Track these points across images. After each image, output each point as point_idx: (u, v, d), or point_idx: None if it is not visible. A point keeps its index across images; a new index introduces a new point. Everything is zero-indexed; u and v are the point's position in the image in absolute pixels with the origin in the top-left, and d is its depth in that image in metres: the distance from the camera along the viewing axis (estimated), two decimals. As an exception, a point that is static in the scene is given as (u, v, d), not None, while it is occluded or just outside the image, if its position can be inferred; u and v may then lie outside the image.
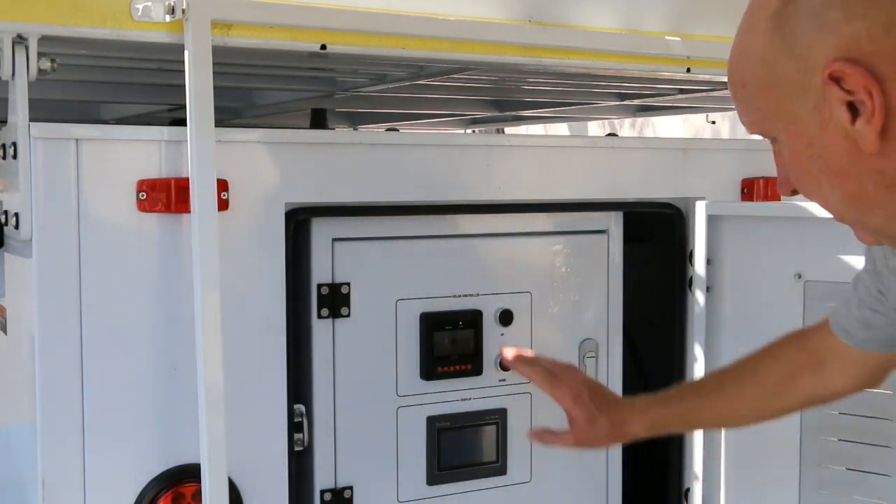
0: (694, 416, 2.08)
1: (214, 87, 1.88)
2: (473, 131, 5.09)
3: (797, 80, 1.23)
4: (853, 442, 2.40)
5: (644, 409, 2.07)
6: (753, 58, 1.26)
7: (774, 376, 1.93)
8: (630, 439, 2.12)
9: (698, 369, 2.45)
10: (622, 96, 3.23)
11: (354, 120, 4.24)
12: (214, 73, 1.87)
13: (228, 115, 3.49)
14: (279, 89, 3.00)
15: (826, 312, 1.83)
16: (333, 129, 3.76)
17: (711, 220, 2.43)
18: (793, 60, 1.23)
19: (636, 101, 3.38)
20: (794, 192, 1.35)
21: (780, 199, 2.61)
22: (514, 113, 3.85)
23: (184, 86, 1.86)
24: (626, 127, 9.38)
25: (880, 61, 1.17)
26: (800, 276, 2.39)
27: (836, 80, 1.18)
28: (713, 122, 9.21)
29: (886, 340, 1.73)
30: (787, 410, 2.02)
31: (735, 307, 2.46)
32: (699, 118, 9.23)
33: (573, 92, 3.05)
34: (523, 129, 7.78)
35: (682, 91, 2.98)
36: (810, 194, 1.32)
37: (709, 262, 2.44)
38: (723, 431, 2.49)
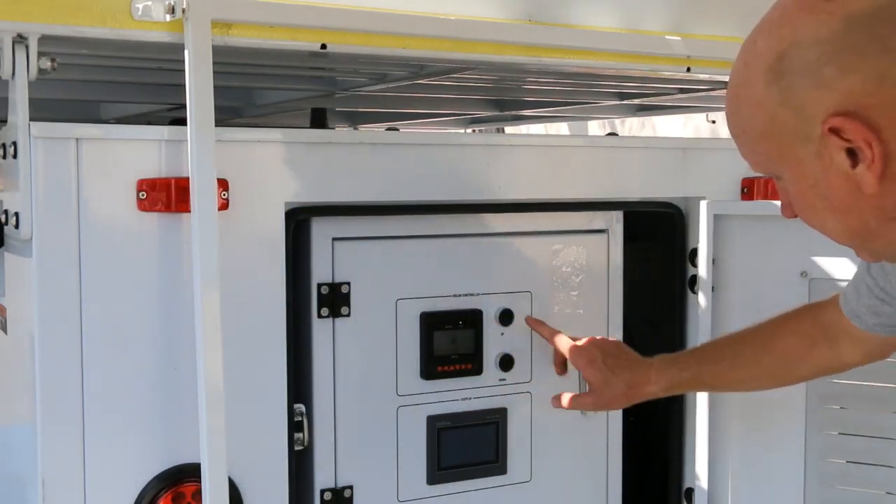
0: (709, 380, 2.19)
1: (214, 87, 1.87)
2: (473, 131, 5.09)
3: (797, 130, 1.28)
4: (856, 435, 2.40)
5: (661, 369, 2.20)
6: (752, 107, 1.32)
7: (791, 348, 2.04)
8: (648, 398, 2.25)
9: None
10: (622, 96, 3.23)
11: (354, 119, 4.24)
12: (214, 72, 1.87)
13: (228, 114, 3.49)
14: (279, 89, 3.00)
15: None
16: (334, 128, 3.76)
17: (716, 219, 2.43)
18: (791, 112, 1.27)
19: (636, 101, 3.38)
20: (797, 216, 1.40)
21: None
22: (514, 112, 3.85)
23: (184, 85, 1.86)
24: (629, 126, 9.38)
25: (877, 113, 1.22)
26: (805, 275, 2.40)
27: (835, 132, 1.23)
28: (713, 122, 9.21)
29: (895, 325, 1.80)
30: (801, 378, 2.16)
31: (740, 306, 2.46)
32: (699, 118, 9.23)
33: (573, 91, 3.05)
34: (523, 129, 7.78)
35: (682, 91, 2.97)
36: (814, 225, 1.38)
37: (714, 261, 2.44)
38: (724, 431, 2.49)
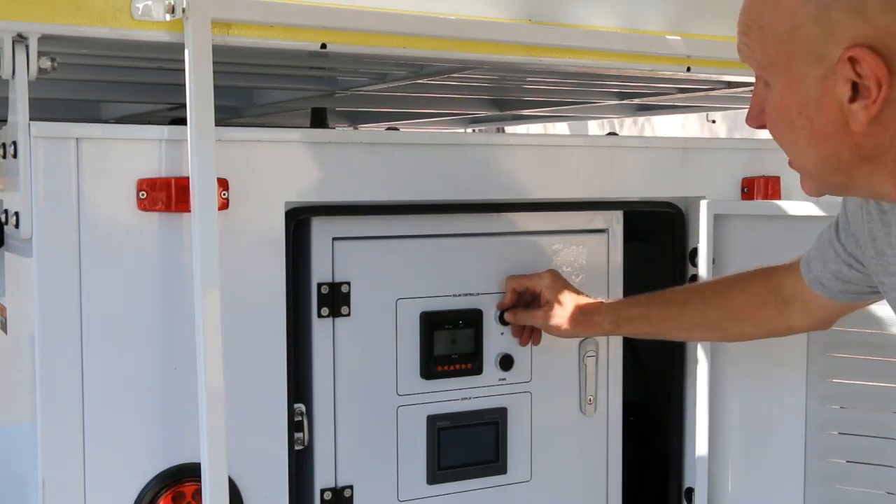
0: (657, 320, 2.24)
1: (214, 87, 1.87)
2: (474, 131, 5.09)
3: (815, 48, 1.31)
4: (856, 435, 2.40)
5: (612, 303, 2.34)
6: (780, 10, 1.34)
7: (739, 305, 2.11)
8: (596, 331, 2.36)
9: (700, 370, 2.45)
10: (622, 95, 3.23)
11: (355, 119, 4.24)
12: (215, 72, 1.87)
13: (228, 114, 3.49)
14: (279, 88, 3.00)
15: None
16: (334, 128, 3.76)
17: (716, 219, 2.43)
18: (819, 29, 1.31)
19: (636, 101, 3.38)
20: (761, 127, 1.44)
21: (780, 198, 2.61)
22: (514, 112, 3.85)
23: (184, 85, 1.86)
24: (628, 126, 9.38)
25: None
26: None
27: (852, 62, 1.28)
28: (713, 122, 9.21)
29: (859, 292, 1.84)
30: (745, 336, 2.22)
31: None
32: (699, 118, 9.23)
33: (573, 91, 3.05)
34: (524, 129, 7.78)
35: (682, 90, 2.98)
36: (782, 142, 1.43)
37: (714, 261, 2.44)
38: (724, 430, 2.50)
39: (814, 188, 1.46)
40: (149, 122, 2.87)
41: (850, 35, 1.27)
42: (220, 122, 1.92)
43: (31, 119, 1.87)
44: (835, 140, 1.35)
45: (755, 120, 1.45)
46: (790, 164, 1.46)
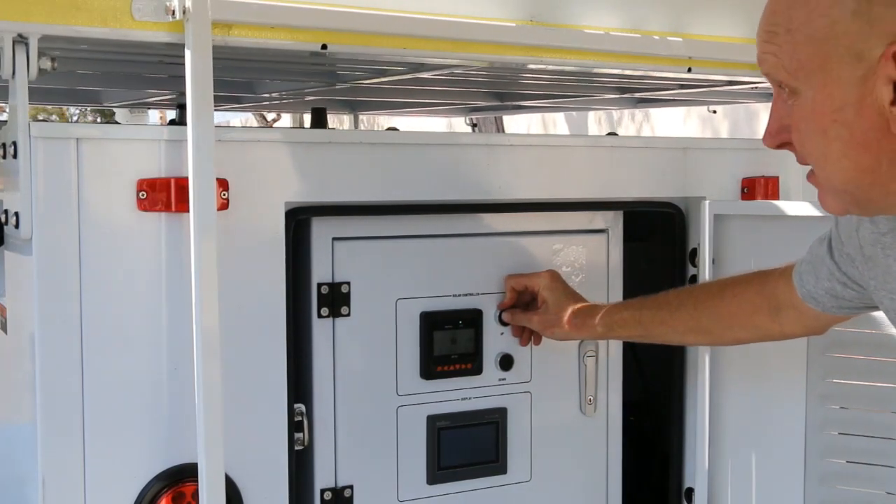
0: (649, 323, 2.22)
1: (214, 80, 1.87)
2: (473, 120, 5.09)
3: (854, 45, 1.23)
4: (856, 435, 2.40)
5: (607, 307, 2.31)
6: (814, 8, 1.25)
7: (732, 311, 2.09)
8: (589, 334, 2.34)
9: (700, 370, 2.45)
10: (623, 90, 3.22)
11: (354, 107, 4.23)
12: (214, 67, 1.86)
13: (228, 102, 3.47)
14: (279, 80, 2.99)
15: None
16: (334, 128, 3.75)
17: (716, 219, 2.43)
18: (858, 25, 1.22)
19: (637, 95, 3.37)
20: (781, 146, 1.34)
21: (779, 198, 2.61)
22: (514, 103, 3.84)
23: (184, 76, 1.85)
24: (626, 124, 9.36)
25: None
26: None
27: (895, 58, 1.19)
28: (714, 112, 9.17)
29: (853, 307, 1.82)
30: (738, 341, 2.22)
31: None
32: (699, 117, 9.20)
33: (573, 89, 3.04)
34: (524, 125, 7.77)
35: (682, 87, 2.97)
36: (811, 153, 1.32)
37: (714, 261, 2.44)
38: (724, 430, 2.50)
39: (838, 204, 1.35)
40: (149, 108, 2.85)
41: (893, 30, 1.19)
42: (218, 109, 1.91)
43: (29, 106, 1.86)
44: (875, 148, 1.25)
45: (775, 138, 1.34)
46: (811, 178, 1.35)
